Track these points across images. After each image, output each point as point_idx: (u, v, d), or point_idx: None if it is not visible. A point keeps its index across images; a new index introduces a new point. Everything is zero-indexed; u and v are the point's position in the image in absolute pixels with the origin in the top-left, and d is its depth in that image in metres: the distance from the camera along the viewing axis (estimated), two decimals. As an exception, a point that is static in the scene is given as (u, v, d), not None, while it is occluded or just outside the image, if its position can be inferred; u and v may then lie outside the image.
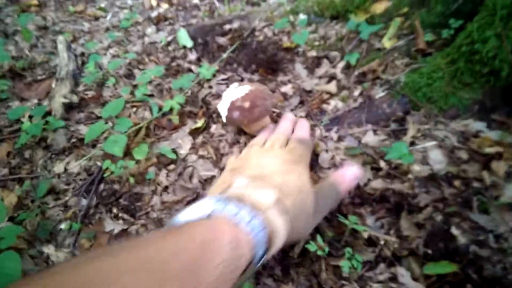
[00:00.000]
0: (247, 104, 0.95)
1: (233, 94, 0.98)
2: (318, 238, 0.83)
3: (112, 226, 1.02)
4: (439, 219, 0.84)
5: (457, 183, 0.88)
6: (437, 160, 0.92)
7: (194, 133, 1.21)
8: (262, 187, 0.68)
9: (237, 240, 0.52)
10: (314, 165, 1.01)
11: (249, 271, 0.57)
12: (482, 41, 0.92)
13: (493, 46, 0.89)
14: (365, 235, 0.84)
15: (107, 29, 1.88)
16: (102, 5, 2.15)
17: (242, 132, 1.13)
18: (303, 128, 0.98)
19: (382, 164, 0.94)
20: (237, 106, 0.96)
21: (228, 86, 1.31)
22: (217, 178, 0.88)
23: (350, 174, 0.85)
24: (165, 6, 1.97)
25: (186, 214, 0.58)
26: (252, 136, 1.09)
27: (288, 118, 1.02)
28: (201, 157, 1.13)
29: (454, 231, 0.81)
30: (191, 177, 1.09)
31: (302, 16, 1.42)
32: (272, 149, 0.86)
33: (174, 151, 1.15)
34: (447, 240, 0.81)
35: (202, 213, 0.57)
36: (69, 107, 1.38)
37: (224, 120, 1.01)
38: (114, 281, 0.36)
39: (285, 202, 0.67)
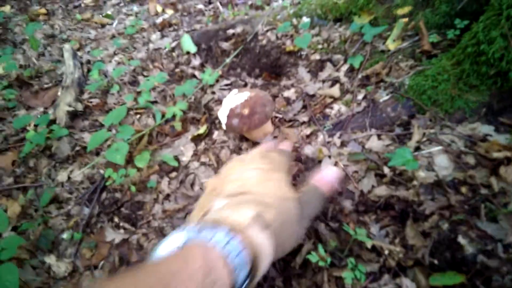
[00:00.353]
0: (246, 111, 0.94)
1: (233, 101, 0.97)
2: (320, 248, 0.80)
3: (113, 235, 1.01)
4: (446, 228, 0.81)
5: (464, 189, 0.85)
6: (443, 165, 0.89)
7: (196, 139, 1.20)
8: (240, 205, 0.66)
9: (209, 266, 0.49)
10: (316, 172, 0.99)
11: None
12: (488, 42, 0.88)
13: (500, 46, 0.86)
14: (369, 245, 0.81)
15: (113, 36, 1.89)
16: (109, 12, 2.17)
17: (244, 139, 1.11)
18: (285, 144, 0.95)
19: (386, 170, 0.92)
20: (236, 113, 0.95)
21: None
22: (196, 203, 0.84)
23: (330, 175, 0.82)
24: (170, 12, 1.98)
25: (162, 248, 0.56)
26: (254, 143, 1.08)
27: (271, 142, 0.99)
28: (203, 164, 1.12)
29: (461, 240, 0.78)
30: (192, 184, 1.08)
31: (305, 19, 1.40)
32: (251, 161, 0.83)
33: (176, 158, 1.14)
34: (454, 249, 0.78)
35: (176, 244, 0.55)
36: (73, 115, 1.39)
37: (224, 127, 0.99)
38: None
39: (266, 216, 0.64)
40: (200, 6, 1.93)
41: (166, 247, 0.55)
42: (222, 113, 0.98)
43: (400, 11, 1.19)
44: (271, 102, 0.99)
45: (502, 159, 0.84)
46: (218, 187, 0.77)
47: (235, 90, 1.02)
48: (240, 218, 0.61)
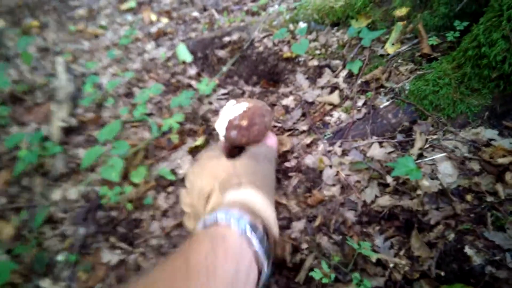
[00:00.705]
0: (245, 123, 0.90)
1: (231, 112, 0.94)
2: (323, 264, 0.78)
3: (110, 256, 0.98)
4: (452, 238, 0.78)
5: (469, 197, 0.82)
6: (447, 173, 0.87)
7: (194, 151, 1.17)
8: (211, 201, 0.74)
9: (210, 232, 0.59)
10: (318, 182, 0.97)
11: (253, 240, 0.60)
12: (490, 44, 0.86)
13: (502, 49, 0.84)
14: (374, 259, 0.79)
15: (107, 47, 1.87)
16: (103, 22, 2.14)
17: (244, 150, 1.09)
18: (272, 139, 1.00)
19: (389, 179, 0.89)
20: (235, 125, 0.91)
21: (228, 101, 1.27)
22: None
23: (272, 138, 0.93)
24: (165, 20, 1.95)
25: None
26: None
27: None
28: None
29: (468, 250, 0.75)
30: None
31: (302, 25, 1.38)
32: (190, 179, 0.86)
33: (173, 171, 1.12)
34: (461, 260, 0.75)
35: None
36: (67, 131, 1.36)
37: (222, 139, 0.96)
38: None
39: (231, 185, 0.72)
40: (195, 13, 1.91)
41: None
42: (219, 125, 0.94)
43: (398, 12, 1.17)
44: (270, 112, 0.96)
45: (507, 164, 0.82)
46: (195, 214, 0.81)
47: (232, 101, 0.98)
48: (212, 206, 0.70)
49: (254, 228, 0.61)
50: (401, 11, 1.17)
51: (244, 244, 0.58)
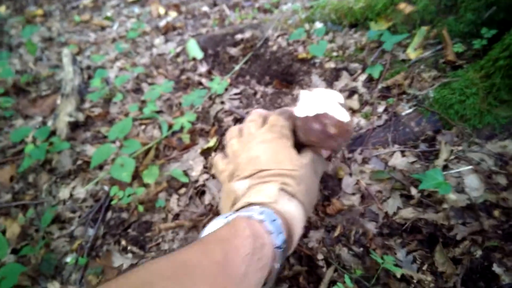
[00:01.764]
0: (333, 131, 0.78)
1: (329, 108, 0.78)
2: (346, 278, 0.75)
3: (121, 260, 0.95)
4: (479, 254, 0.75)
5: (496, 213, 0.79)
6: (474, 186, 0.84)
7: (206, 153, 1.14)
8: (262, 185, 0.69)
9: (255, 233, 0.57)
10: (336, 190, 0.94)
11: (278, 258, 0.61)
12: (523, 55, 0.83)
13: (536, 60, 0.81)
14: (398, 274, 0.76)
15: (114, 40, 1.82)
16: (109, 14, 2.09)
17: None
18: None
19: (414, 191, 0.86)
20: (323, 123, 0.77)
21: (241, 101, 1.23)
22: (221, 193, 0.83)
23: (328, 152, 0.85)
24: (173, 14, 1.91)
25: (206, 230, 0.62)
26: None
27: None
28: (214, 177, 1.06)
29: (496, 268, 0.72)
30: (202, 201, 1.02)
31: (318, 25, 1.34)
32: (252, 135, 0.78)
33: (185, 173, 1.08)
34: (488, 278, 0.73)
35: (220, 225, 0.61)
36: (74, 126, 1.32)
37: (300, 114, 0.81)
38: (156, 285, 0.43)
39: (289, 187, 0.68)
40: (205, 8, 1.86)
41: (209, 229, 0.62)
42: (312, 105, 0.79)
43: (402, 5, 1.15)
44: (351, 134, 0.85)
45: (537, 180, 0.79)
46: (233, 171, 0.77)
47: (339, 95, 0.83)
48: (266, 197, 0.66)
49: (286, 248, 0.63)
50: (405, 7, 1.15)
51: (272, 257, 0.60)
